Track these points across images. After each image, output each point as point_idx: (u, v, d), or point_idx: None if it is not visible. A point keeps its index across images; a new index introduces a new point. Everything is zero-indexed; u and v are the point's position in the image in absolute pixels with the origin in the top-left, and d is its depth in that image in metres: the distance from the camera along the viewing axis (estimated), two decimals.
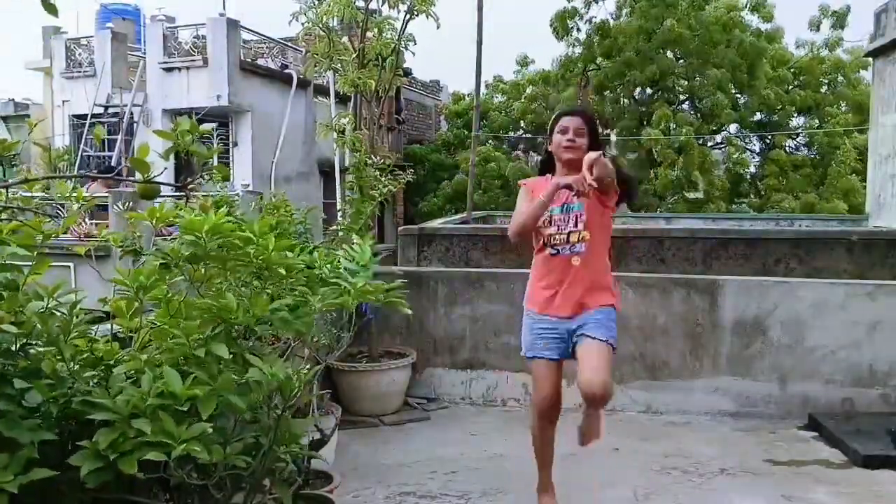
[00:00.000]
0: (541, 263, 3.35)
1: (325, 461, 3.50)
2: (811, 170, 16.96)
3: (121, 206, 3.30)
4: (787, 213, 14.97)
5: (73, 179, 2.09)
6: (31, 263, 1.81)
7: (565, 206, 3.25)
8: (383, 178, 5.54)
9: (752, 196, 18.63)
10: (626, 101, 18.52)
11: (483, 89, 17.41)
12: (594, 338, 3.17)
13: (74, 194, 2.07)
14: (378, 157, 5.67)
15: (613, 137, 19.44)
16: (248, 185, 12.64)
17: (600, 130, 3.40)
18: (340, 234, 5.29)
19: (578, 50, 18.15)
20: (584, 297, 3.23)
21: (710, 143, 18.35)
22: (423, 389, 5.72)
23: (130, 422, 1.65)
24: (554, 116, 3.40)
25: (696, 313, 5.31)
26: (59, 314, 1.81)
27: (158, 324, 1.97)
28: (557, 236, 3.25)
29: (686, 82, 17.79)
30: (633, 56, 16.91)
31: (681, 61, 17.25)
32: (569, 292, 3.24)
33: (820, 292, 5.21)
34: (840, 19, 17.91)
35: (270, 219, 2.38)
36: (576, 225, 3.23)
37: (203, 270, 2.05)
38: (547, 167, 3.43)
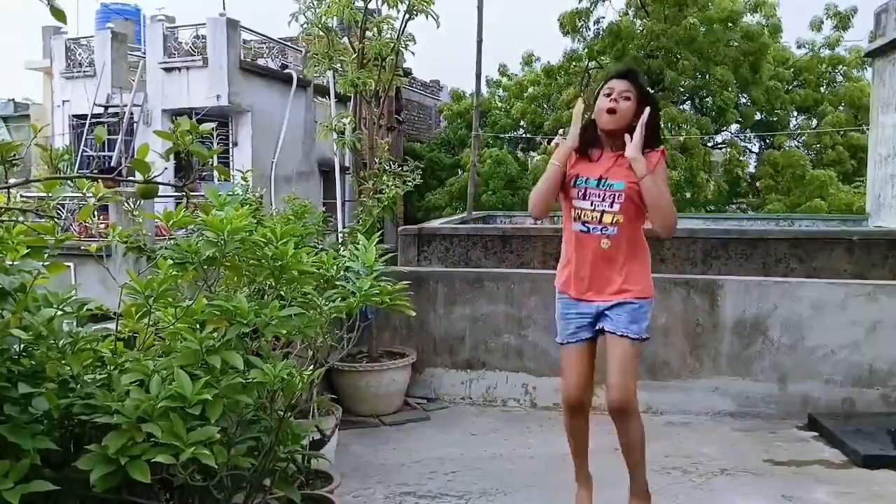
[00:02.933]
0: (569, 240, 3.14)
1: (325, 461, 3.50)
2: (804, 169, 16.97)
3: (130, 205, 3.30)
4: (775, 212, 14.98)
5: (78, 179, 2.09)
6: (40, 265, 1.82)
7: (604, 181, 3.01)
8: (390, 182, 5.54)
9: (750, 196, 18.65)
10: None
11: (484, 87, 17.42)
12: (620, 335, 3.00)
13: (90, 191, 2.07)
14: (380, 160, 5.68)
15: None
16: (249, 185, 12.60)
17: (650, 105, 3.05)
18: (349, 236, 5.31)
19: (582, 45, 18.16)
20: (615, 284, 3.03)
21: (710, 144, 18.36)
22: (423, 389, 5.72)
23: (140, 425, 1.66)
24: (603, 80, 3.18)
25: (696, 313, 5.31)
26: (68, 325, 1.82)
27: (166, 326, 1.98)
28: (590, 213, 3.02)
29: (689, 82, 17.80)
30: (641, 56, 16.92)
31: (692, 57, 17.26)
32: (598, 277, 3.04)
33: (820, 292, 5.22)
34: (843, 21, 17.90)
35: (295, 225, 2.39)
36: (612, 205, 3.00)
37: (218, 270, 2.06)
38: (591, 138, 3.11)
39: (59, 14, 1.68)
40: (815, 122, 18.25)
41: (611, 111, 2.99)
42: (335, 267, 2.21)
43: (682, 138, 16.30)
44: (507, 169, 17.77)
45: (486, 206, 16.14)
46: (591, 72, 18.59)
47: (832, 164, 16.89)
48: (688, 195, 16.78)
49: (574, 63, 18.25)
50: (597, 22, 17.91)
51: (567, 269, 3.16)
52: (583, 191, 3.04)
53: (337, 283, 2.19)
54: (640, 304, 3.05)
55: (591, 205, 3.02)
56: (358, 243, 2.47)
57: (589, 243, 3.04)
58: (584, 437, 3.32)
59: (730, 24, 16.92)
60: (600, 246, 3.02)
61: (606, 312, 3.06)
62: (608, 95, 3.02)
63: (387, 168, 5.60)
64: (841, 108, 17.86)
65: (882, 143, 9.54)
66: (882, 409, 5.03)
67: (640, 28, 17.29)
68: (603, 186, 3.01)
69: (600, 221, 3.01)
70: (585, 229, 3.04)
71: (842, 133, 17.15)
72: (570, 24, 17.64)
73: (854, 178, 16.48)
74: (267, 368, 1.89)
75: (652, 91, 3.39)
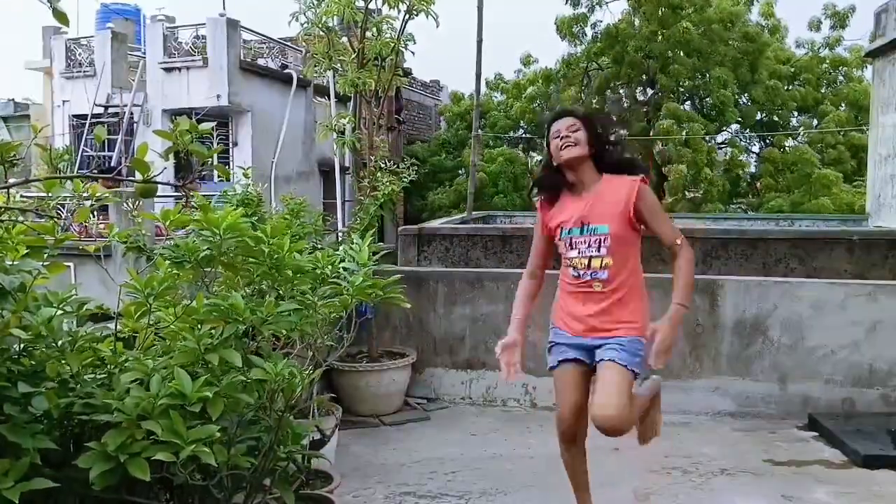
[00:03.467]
0: (565, 280, 3.12)
1: (325, 461, 3.50)
2: (812, 167, 16.92)
3: (129, 205, 3.30)
4: (774, 211, 14.96)
5: (75, 179, 2.09)
6: (40, 265, 1.82)
7: (586, 226, 2.97)
8: (385, 179, 5.55)
9: (750, 196, 18.65)
10: (627, 101, 18.53)
11: (483, 88, 17.43)
12: (611, 361, 2.96)
13: (87, 192, 2.07)
14: (375, 158, 5.68)
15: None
16: (248, 185, 12.60)
17: (601, 127, 3.05)
18: (347, 235, 5.31)
19: (580, 49, 18.17)
20: (609, 324, 3.00)
21: (711, 143, 18.35)
22: (423, 389, 5.72)
23: (139, 423, 1.66)
24: (546, 127, 3.15)
25: (696, 313, 5.31)
26: (67, 324, 1.82)
27: (165, 325, 1.98)
28: (578, 260, 3.00)
29: (689, 82, 17.80)
30: (640, 58, 16.92)
31: (687, 59, 17.25)
32: (593, 317, 3.01)
33: (820, 292, 5.21)
34: (842, 20, 17.92)
35: (289, 222, 2.39)
36: (598, 250, 2.96)
37: (216, 269, 2.06)
38: (558, 183, 3.09)
39: (61, 17, 1.68)
40: (815, 121, 18.25)
41: (567, 145, 2.96)
42: (331, 266, 2.21)
43: (685, 136, 16.28)
44: (513, 169, 17.77)
45: (496, 207, 16.13)
46: (590, 73, 18.60)
47: (833, 164, 16.88)
48: (695, 193, 16.73)
49: (573, 67, 18.26)
50: (594, 26, 17.93)
51: (561, 309, 3.15)
52: (568, 241, 3.02)
53: (331, 280, 2.19)
54: (634, 343, 3.01)
55: (579, 253, 3.00)
56: (352, 238, 2.47)
57: (582, 286, 3.02)
58: (581, 469, 3.24)
59: (729, 25, 16.91)
60: (593, 290, 2.99)
61: (599, 348, 3.02)
62: (556, 137, 3.00)
63: (382, 166, 5.60)
64: (842, 107, 17.86)
65: (882, 143, 9.53)
66: (882, 409, 5.03)
67: (638, 29, 17.29)
68: (586, 233, 2.98)
69: (589, 267, 2.98)
70: (577, 275, 3.02)
71: (842, 133, 17.15)
72: (568, 29, 17.66)
73: (854, 178, 16.47)
74: (268, 367, 1.89)
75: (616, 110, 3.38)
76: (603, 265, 2.95)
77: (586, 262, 2.97)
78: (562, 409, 3.08)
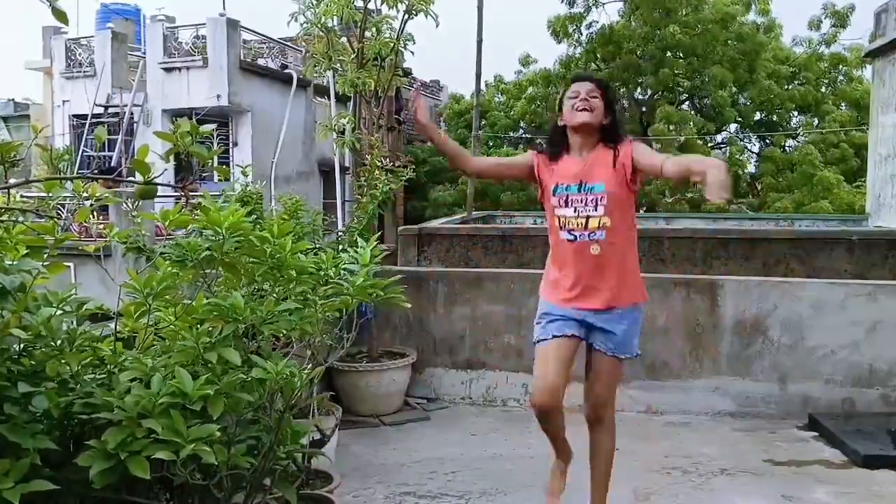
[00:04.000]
0: (556, 249, 3.04)
1: (326, 460, 3.50)
2: (814, 168, 16.91)
3: (129, 205, 3.31)
4: (780, 212, 14.97)
5: (75, 180, 2.09)
6: (40, 265, 1.82)
7: (584, 184, 2.90)
8: (383, 177, 5.55)
9: (750, 196, 18.66)
10: (625, 102, 18.55)
11: (483, 88, 17.42)
12: (607, 354, 2.95)
13: (87, 192, 2.08)
14: (372, 157, 5.68)
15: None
16: (250, 185, 12.61)
17: (615, 100, 3.05)
18: (345, 235, 5.31)
19: (579, 51, 18.19)
20: (606, 291, 2.93)
21: (710, 144, 18.37)
22: (423, 389, 5.72)
23: (140, 422, 1.66)
24: (563, 88, 3.08)
25: (696, 313, 5.31)
26: (66, 323, 1.82)
27: (164, 325, 1.98)
28: (574, 220, 2.91)
29: (687, 82, 17.81)
30: (636, 58, 16.94)
31: (680, 61, 17.27)
32: (588, 285, 2.93)
33: (820, 292, 5.21)
34: (841, 19, 17.94)
35: (290, 222, 2.39)
36: (596, 208, 2.88)
37: (217, 269, 2.06)
38: (559, 143, 3.04)
39: (61, 16, 1.68)
40: (816, 121, 18.25)
41: (584, 108, 2.91)
42: (334, 268, 2.21)
43: (681, 137, 16.30)
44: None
45: (504, 203, 16.15)
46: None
47: (836, 163, 16.88)
48: (689, 195, 16.77)
49: (569, 69, 18.27)
50: (589, 26, 17.94)
51: (555, 279, 3.05)
52: (564, 198, 2.94)
53: (332, 280, 2.19)
54: (633, 316, 2.99)
55: (575, 211, 2.92)
56: (355, 241, 2.48)
57: (576, 251, 2.94)
58: (561, 436, 3.18)
59: (726, 25, 16.93)
60: (590, 252, 2.91)
61: (598, 327, 2.97)
62: (575, 98, 2.94)
63: (379, 164, 5.61)
64: (843, 107, 17.87)
65: (882, 143, 9.54)
66: (882, 409, 5.03)
67: (633, 31, 17.30)
68: (584, 190, 2.91)
69: (586, 227, 2.90)
70: (572, 237, 2.93)
71: (845, 132, 17.15)
72: (563, 29, 17.65)
73: (857, 178, 16.48)
74: (269, 366, 1.89)
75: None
76: (601, 224, 2.89)
77: (583, 221, 2.90)
78: (536, 388, 2.98)
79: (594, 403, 2.96)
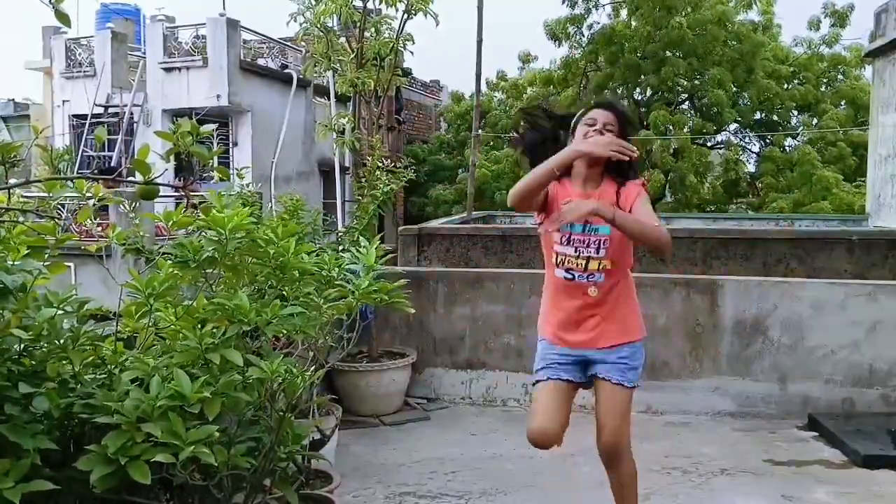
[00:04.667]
0: (553, 288, 2.94)
1: (325, 461, 3.50)
2: (814, 167, 16.89)
3: (127, 206, 3.31)
4: (778, 212, 14.98)
5: (76, 180, 2.09)
6: (40, 265, 1.82)
7: (589, 224, 2.78)
8: (384, 177, 5.55)
9: (750, 196, 18.66)
10: (626, 101, 18.55)
11: (483, 87, 17.43)
12: (611, 382, 2.84)
13: (89, 192, 2.08)
14: (373, 158, 5.69)
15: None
16: (248, 185, 12.61)
17: (629, 132, 2.86)
18: (346, 235, 5.32)
19: (579, 52, 18.18)
20: (606, 332, 2.86)
21: (709, 144, 18.38)
22: (423, 389, 5.72)
23: (139, 425, 1.66)
24: (583, 109, 2.95)
25: (696, 313, 5.31)
26: (69, 323, 1.82)
27: (165, 325, 1.98)
28: (575, 260, 2.80)
29: (686, 82, 17.81)
30: (637, 59, 16.95)
31: (681, 61, 17.27)
32: (587, 325, 2.86)
33: (820, 292, 5.22)
34: (841, 19, 17.94)
35: (293, 224, 2.39)
36: (598, 251, 2.78)
37: (219, 270, 2.06)
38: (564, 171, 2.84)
39: (63, 17, 1.68)
40: (815, 120, 18.25)
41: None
42: (337, 269, 2.21)
43: (672, 139, 16.31)
44: (517, 170, 17.80)
45: (502, 203, 16.15)
46: (588, 75, 18.61)
47: (834, 162, 16.87)
48: (681, 196, 16.79)
49: (570, 70, 18.27)
50: (590, 27, 17.94)
51: (551, 317, 2.96)
52: (566, 236, 2.82)
53: (336, 282, 2.19)
54: (633, 351, 2.90)
55: (576, 251, 2.80)
56: (356, 241, 2.47)
57: (575, 292, 2.84)
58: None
59: (725, 25, 16.93)
60: (588, 294, 2.82)
61: (597, 362, 2.88)
62: (591, 126, 2.79)
63: (380, 165, 5.61)
64: (841, 105, 17.87)
65: (882, 143, 9.54)
66: (882, 409, 5.03)
67: (634, 31, 17.31)
68: (588, 231, 2.78)
69: (586, 269, 2.80)
70: (570, 276, 2.83)
71: (843, 132, 17.15)
72: (563, 31, 17.64)
73: (855, 178, 16.48)
74: (265, 365, 1.89)
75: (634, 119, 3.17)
76: (601, 267, 2.79)
77: (584, 263, 2.80)
78: (535, 430, 2.85)
79: (604, 433, 2.82)
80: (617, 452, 2.85)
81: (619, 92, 18.32)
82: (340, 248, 4.75)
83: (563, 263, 2.85)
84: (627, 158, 2.64)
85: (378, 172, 5.56)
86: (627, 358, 2.87)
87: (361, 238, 4.60)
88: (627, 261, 2.91)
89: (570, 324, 2.88)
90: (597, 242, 2.79)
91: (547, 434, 2.82)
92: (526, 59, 20.59)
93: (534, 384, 2.99)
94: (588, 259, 2.80)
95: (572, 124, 2.92)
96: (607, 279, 2.81)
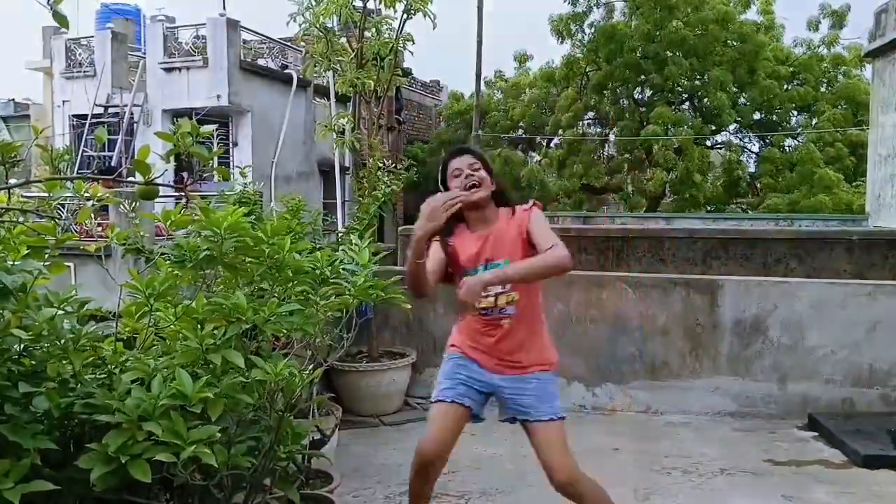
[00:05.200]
0: (468, 326, 2.95)
1: (326, 461, 3.51)
2: (815, 166, 16.88)
3: (127, 207, 3.31)
4: (772, 209, 14.99)
5: (76, 180, 2.10)
6: (41, 265, 1.82)
7: (490, 264, 2.82)
8: (384, 178, 5.55)
9: (749, 196, 18.68)
10: (625, 101, 18.56)
11: (483, 88, 17.44)
12: (546, 420, 2.85)
13: (88, 193, 2.08)
14: (374, 158, 5.69)
15: (612, 137, 19.48)
16: (250, 185, 12.61)
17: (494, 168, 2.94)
18: (346, 235, 5.32)
19: (580, 51, 18.21)
20: (518, 358, 2.89)
21: (709, 144, 18.39)
22: (423, 389, 5.71)
23: (140, 424, 1.66)
24: (440, 167, 2.98)
25: (696, 313, 5.32)
26: (69, 324, 1.82)
27: (165, 325, 1.98)
28: (483, 300, 2.81)
29: (687, 82, 17.82)
30: (637, 58, 16.96)
31: (683, 60, 17.28)
32: (500, 352, 2.89)
33: (820, 292, 5.22)
34: (839, 19, 17.96)
35: (285, 221, 2.39)
36: (503, 286, 2.80)
37: (217, 269, 2.06)
38: (453, 223, 2.85)
39: (61, 20, 1.68)
40: (814, 120, 18.26)
41: (472, 185, 2.82)
42: (331, 267, 2.21)
43: (676, 138, 16.32)
44: (511, 169, 17.81)
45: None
46: (588, 74, 18.61)
47: (832, 162, 16.89)
48: (687, 195, 16.79)
49: (571, 69, 18.28)
50: (591, 25, 17.95)
51: (466, 341, 2.96)
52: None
53: (331, 280, 2.19)
54: (546, 381, 2.92)
55: (484, 290, 2.76)
56: (352, 239, 2.47)
57: (487, 325, 2.88)
58: (428, 497, 3.12)
59: (726, 25, 16.93)
60: (501, 326, 2.87)
61: (508, 392, 2.91)
62: (457, 175, 2.85)
63: (381, 165, 5.61)
64: (841, 105, 17.87)
65: (882, 143, 9.55)
66: (882, 409, 5.03)
67: (634, 29, 17.32)
68: (490, 269, 2.80)
69: (496, 304, 2.85)
70: (485, 313, 2.87)
71: (842, 131, 17.16)
72: (566, 28, 17.66)
73: (854, 177, 16.49)
74: (269, 367, 1.89)
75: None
76: (509, 301, 2.84)
77: (493, 300, 2.84)
78: (428, 444, 2.89)
79: (558, 474, 2.82)
80: (574, 484, 2.85)
81: (619, 91, 18.34)
82: (340, 247, 4.75)
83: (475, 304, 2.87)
84: (466, 201, 2.72)
85: (379, 173, 5.57)
86: (542, 390, 2.89)
87: (352, 236, 4.61)
88: (533, 288, 2.93)
89: (487, 349, 2.90)
90: None
91: (437, 448, 2.89)
92: (522, 58, 20.60)
93: (435, 401, 2.97)
94: (496, 295, 2.83)
95: (439, 180, 2.96)
96: (519, 310, 2.86)
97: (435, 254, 2.91)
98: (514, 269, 2.74)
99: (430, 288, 2.87)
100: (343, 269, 2.24)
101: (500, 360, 2.90)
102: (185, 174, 1.97)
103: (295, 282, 2.12)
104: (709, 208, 16.97)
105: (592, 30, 17.94)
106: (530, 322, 2.92)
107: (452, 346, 3.02)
